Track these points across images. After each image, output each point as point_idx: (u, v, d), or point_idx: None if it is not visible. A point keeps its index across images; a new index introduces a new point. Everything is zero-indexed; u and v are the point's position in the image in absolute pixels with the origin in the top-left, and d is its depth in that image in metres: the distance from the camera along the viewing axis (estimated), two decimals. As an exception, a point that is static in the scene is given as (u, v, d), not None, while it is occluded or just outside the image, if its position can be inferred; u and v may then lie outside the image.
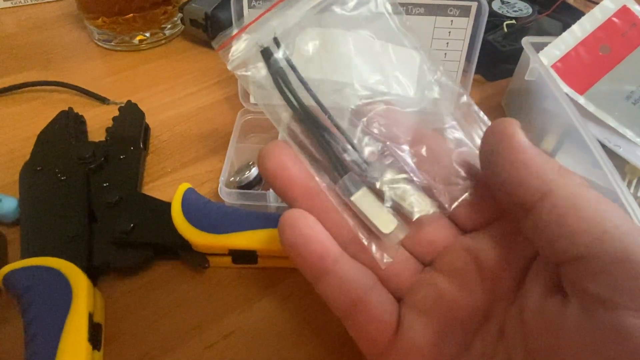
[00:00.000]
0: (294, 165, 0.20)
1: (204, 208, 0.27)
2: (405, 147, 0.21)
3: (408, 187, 0.19)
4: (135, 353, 0.24)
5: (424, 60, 0.23)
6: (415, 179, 0.20)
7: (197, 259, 0.27)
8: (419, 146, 0.21)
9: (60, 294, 0.23)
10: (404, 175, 0.20)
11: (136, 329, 0.25)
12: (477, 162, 0.20)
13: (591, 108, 0.36)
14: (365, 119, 0.21)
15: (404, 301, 0.20)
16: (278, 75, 0.20)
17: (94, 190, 0.29)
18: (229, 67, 0.21)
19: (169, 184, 0.32)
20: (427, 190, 0.20)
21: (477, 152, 0.19)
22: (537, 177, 0.16)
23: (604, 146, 0.31)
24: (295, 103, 0.20)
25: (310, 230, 0.19)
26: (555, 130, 0.33)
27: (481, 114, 0.22)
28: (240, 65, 0.21)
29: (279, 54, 0.20)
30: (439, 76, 0.23)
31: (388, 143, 0.21)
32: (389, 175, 0.19)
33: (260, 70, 0.21)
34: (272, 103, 0.21)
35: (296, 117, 0.20)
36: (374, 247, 0.19)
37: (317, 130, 0.20)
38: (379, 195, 0.19)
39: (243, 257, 0.26)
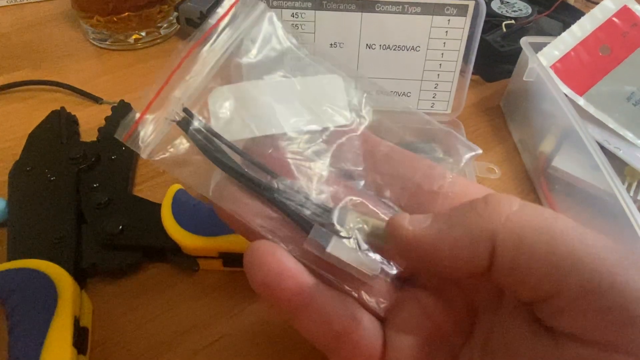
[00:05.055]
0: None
1: (195, 210, 0.26)
2: (361, 182, 0.20)
3: (376, 220, 0.18)
4: (122, 358, 0.23)
5: (349, 81, 0.21)
6: (381, 211, 0.19)
7: (186, 262, 0.26)
8: (374, 174, 0.20)
9: (45, 297, 0.22)
10: (367, 210, 0.19)
11: (124, 333, 0.24)
12: (436, 170, 0.19)
13: (591, 109, 0.35)
14: (310, 165, 0.19)
15: (387, 321, 0.19)
16: (205, 145, 0.18)
17: (83, 191, 0.29)
18: (144, 156, 0.18)
19: (160, 185, 0.32)
20: None
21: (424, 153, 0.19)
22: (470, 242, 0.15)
23: (603, 148, 0.31)
24: (236, 169, 0.18)
25: (280, 265, 0.17)
26: (554, 131, 0.33)
27: (425, 116, 0.21)
28: (157, 150, 0.18)
29: (195, 124, 0.18)
30: (370, 92, 0.22)
31: (342, 183, 0.20)
32: (353, 215, 0.18)
33: (178, 148, 0.19)
34: (205, 181, 0.19)
35: (240, 185, 0.19)
36: (365, 296, 0.18)
37: (266, 193, 0.18)
38: (350, 238, 0.18)
39: (234, 260, 0.26)
